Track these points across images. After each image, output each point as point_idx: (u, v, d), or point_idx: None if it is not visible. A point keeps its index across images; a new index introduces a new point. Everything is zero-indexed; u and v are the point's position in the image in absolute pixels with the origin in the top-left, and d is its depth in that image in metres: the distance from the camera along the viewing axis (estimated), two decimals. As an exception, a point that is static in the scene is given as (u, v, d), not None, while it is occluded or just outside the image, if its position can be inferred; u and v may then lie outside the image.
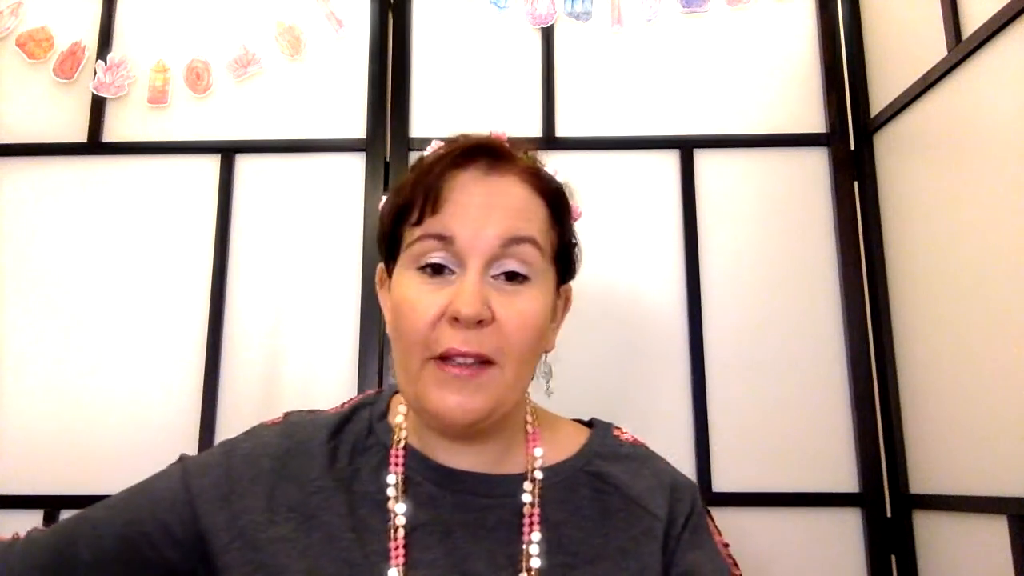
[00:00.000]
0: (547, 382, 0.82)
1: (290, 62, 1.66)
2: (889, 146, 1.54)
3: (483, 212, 0.71)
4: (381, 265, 0.81)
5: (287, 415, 0.83)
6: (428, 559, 0.72)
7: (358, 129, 1.63)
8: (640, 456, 0.83)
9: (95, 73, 1.64)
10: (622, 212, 1.57)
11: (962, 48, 1.29)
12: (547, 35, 1.66)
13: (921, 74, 1.40)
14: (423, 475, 0.77)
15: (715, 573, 0.77)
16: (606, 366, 1.51)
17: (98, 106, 1.64)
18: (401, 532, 0.73)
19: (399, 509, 0.74)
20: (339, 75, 1.66)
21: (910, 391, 1.46)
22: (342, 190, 1.61)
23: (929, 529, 1.40)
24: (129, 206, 1.61)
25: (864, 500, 1.46)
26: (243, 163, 1.63)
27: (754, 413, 1.49)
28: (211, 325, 1.54)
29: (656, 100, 1.63)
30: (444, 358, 0.70)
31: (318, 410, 0.84)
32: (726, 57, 1.65)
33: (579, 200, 0.83)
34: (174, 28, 1.68)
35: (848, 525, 1.46)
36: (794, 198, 1.59)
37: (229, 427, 1.50)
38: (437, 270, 0.71)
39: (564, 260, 0.79)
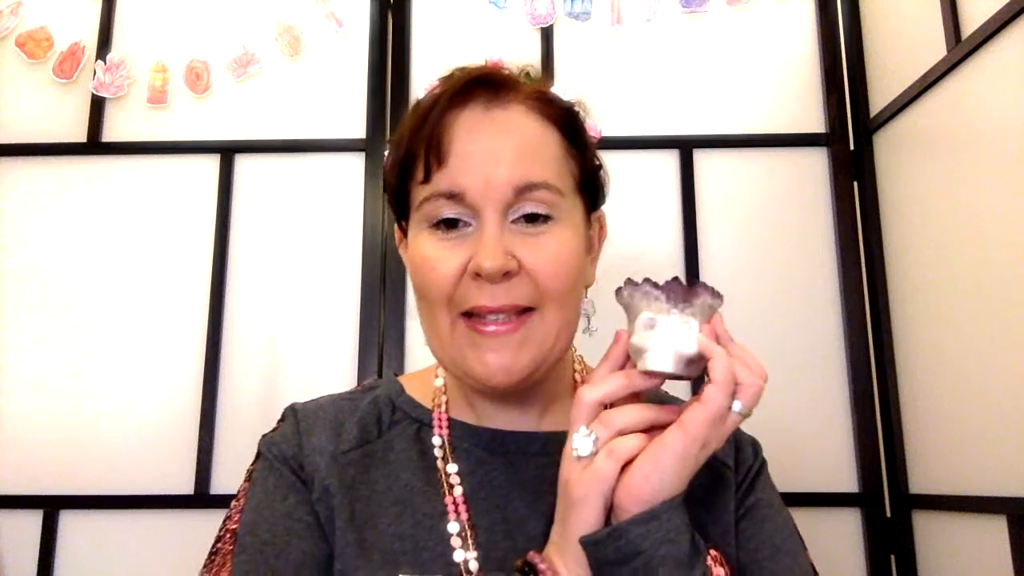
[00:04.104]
0: (588, 319, 0.75)
1: (290, 62, 1.66)
2: (889, 146, 1.54)
3: (491, 158, 0.65)
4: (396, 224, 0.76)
5: (290, 409, 0.77)
6: (485, 524, 0.68)
7: (358, 129, 1.63)
8: None
9: (95, 73, 1.64)
10: (622, 212, 1.57)
11: (962, 48, 1.29)
12: (547, 35, 1.66)
13: (921, 74, 1.40)
14: (469, 441, 0.73)
15: (780, 511, 0.75)
16: (606, 366, 1.51)
17: (98, 106, 1.64)
18: (459, 491, 0.69)
19: (451, 469, 0.70)
20: (339, 75, 1.66)
21: (910, 391, 1.46)
22: (342, 190, 1.61)
23: (929, 529, 1.40)
24: (129, 206, 1.61)
25: (864, 500, 1.46)
26: (243, 163, 1.63)
27: (753, 413, 1.49)
28: (211, 325, 1.54)
29: (656, 100, 1.63)
30: (472, 315, 0.65)
31: (319, 397, 0.79)
32: (726, 57, 1.65)
33: (596, 119, 0.76)
34: (174, 28, 1.68)
35: (848, 525, 1.47)
36: (794, 198, 1.59)
37: (229, 427, 1.51)
38: (451, 224, 0.66)
39: (591, 186, 0.73)
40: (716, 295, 0.61)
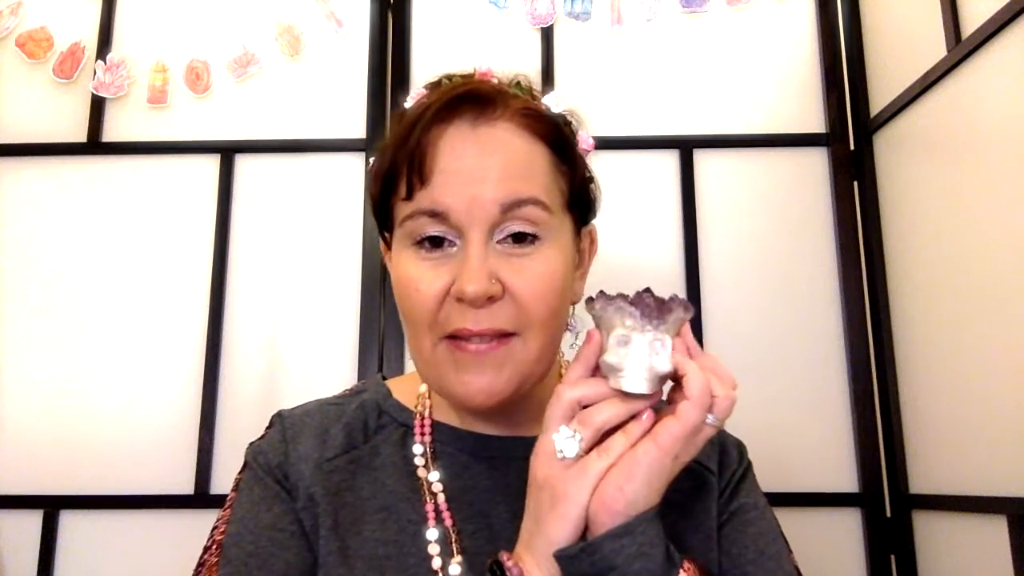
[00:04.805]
0: (576, 335, 0.73)
1: (290, 62, 1.66)
2: (889, 146, 1.54)
3: (476, 176, 0.64)
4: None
5: (277, 416, 0.77)
6: (469, 530, 0.69)
7: (358, 129, 1.63)
8: None
9: (95, 73, 1.64)
10: (622, 212, 1.57)
11: (962, 48, 1.29)
12: (547, 35, 1.66)
13: (921, 74, 1.40)
14: (453, 445, 0.73)
15: (765, 514, 0.75)
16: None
17: (98, 106, 1.64)
18: (441, 498, 0.70)
19: (432, 477, 0.71)
20: (339, 75, 1.66)
21: (910, 391, 1.46)
22: (342, 190, 1.61)
23: (929, 529, 1.40)
24: (129, 206, 1.61)
25: (864, 500, 1.46)
26: (243, 163, 1.63)
27: (754, 413, 1.49)
28: (211, 326, 1.54)
29: (656, 100, 1.63)
30: (454, 336, 0.65)
31: (306, 403, 0.79)
32: (726, 57, 1.65)
33: (589, 128, 0.75)
34: (174, 28, 1.68)
35: (848, 525, 1.47)
36: (794, 198, 1.59)
37: (228, 427, 1.51)
38: (435, 243, 0.65)
39: (580, 202, 0.71)
40: (687, 308, 0.61)
